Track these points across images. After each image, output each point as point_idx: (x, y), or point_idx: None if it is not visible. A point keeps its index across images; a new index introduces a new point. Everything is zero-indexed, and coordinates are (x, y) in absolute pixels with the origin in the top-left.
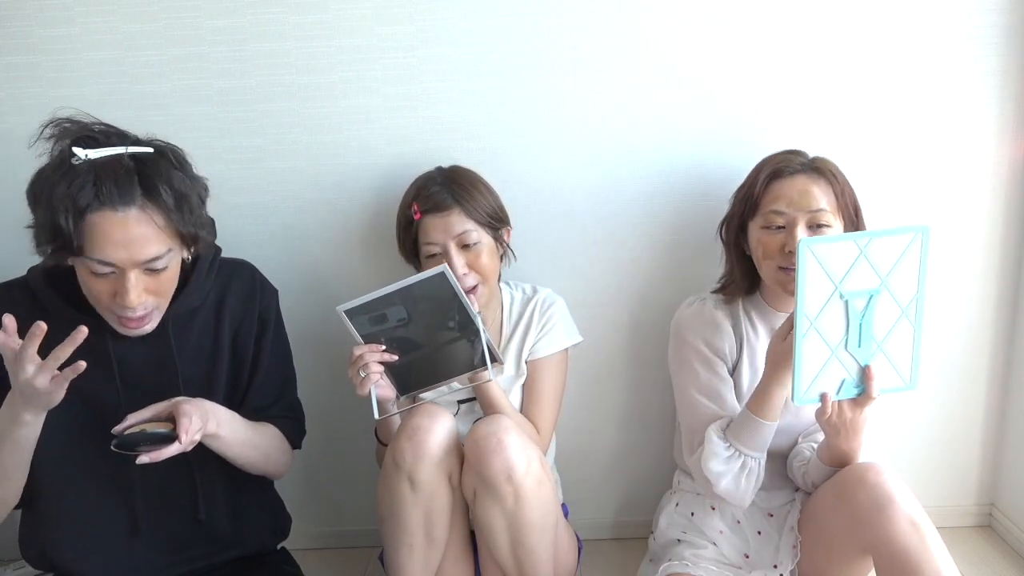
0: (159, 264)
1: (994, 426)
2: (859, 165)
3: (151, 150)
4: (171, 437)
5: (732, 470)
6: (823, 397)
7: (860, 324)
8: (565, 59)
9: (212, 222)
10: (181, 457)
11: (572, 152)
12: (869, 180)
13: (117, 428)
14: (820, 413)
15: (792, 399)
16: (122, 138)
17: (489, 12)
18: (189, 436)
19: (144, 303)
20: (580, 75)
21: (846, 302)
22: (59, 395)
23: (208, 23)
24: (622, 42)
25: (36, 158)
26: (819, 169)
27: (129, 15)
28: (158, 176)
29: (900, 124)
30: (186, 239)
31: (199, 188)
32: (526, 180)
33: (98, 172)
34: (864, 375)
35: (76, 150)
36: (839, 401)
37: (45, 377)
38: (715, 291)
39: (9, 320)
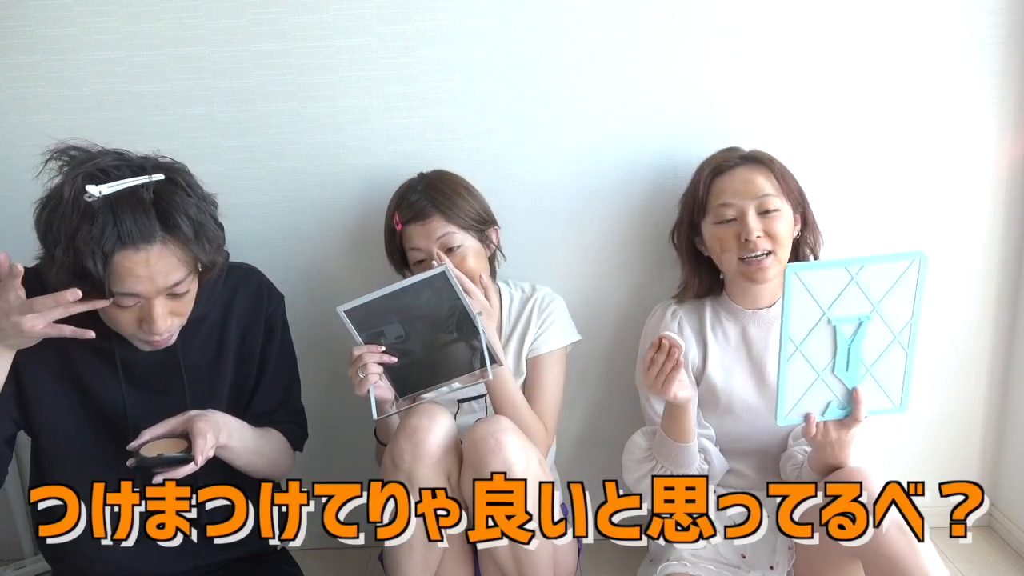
0: (181, 288)
1: (994, 426)
2: (859, 165)
3: (162, 177)
4: (187, 459)
5: (642, 471)
6: (807, 417)
7: (848, 348)
8: (566, 59)
9: (223, 239)
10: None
11: (572, 153)
12: (869, 179)
13: (133, 445)
14: (805, 432)
15: (775, 419)
16: (131, 167)
17: (489, 12)
18: (204, 457)
19: (170, 326)
20: (581, 76)
21: (834, 327)
22: (33, 341)
23: (208, 23)
24: (624, 42)
25: (33, 180)
26: (757, 159)
27: (129, 15)
28: (175, 208)
29: (900, 124)
30: (204, 266)
31: (211, 210)
32: (526, 180)
33: (116, 211)
34: (851, 398)
35: (89, 188)
36: (824, 421)
37: (43, 320)
38: (673, 296)
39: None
